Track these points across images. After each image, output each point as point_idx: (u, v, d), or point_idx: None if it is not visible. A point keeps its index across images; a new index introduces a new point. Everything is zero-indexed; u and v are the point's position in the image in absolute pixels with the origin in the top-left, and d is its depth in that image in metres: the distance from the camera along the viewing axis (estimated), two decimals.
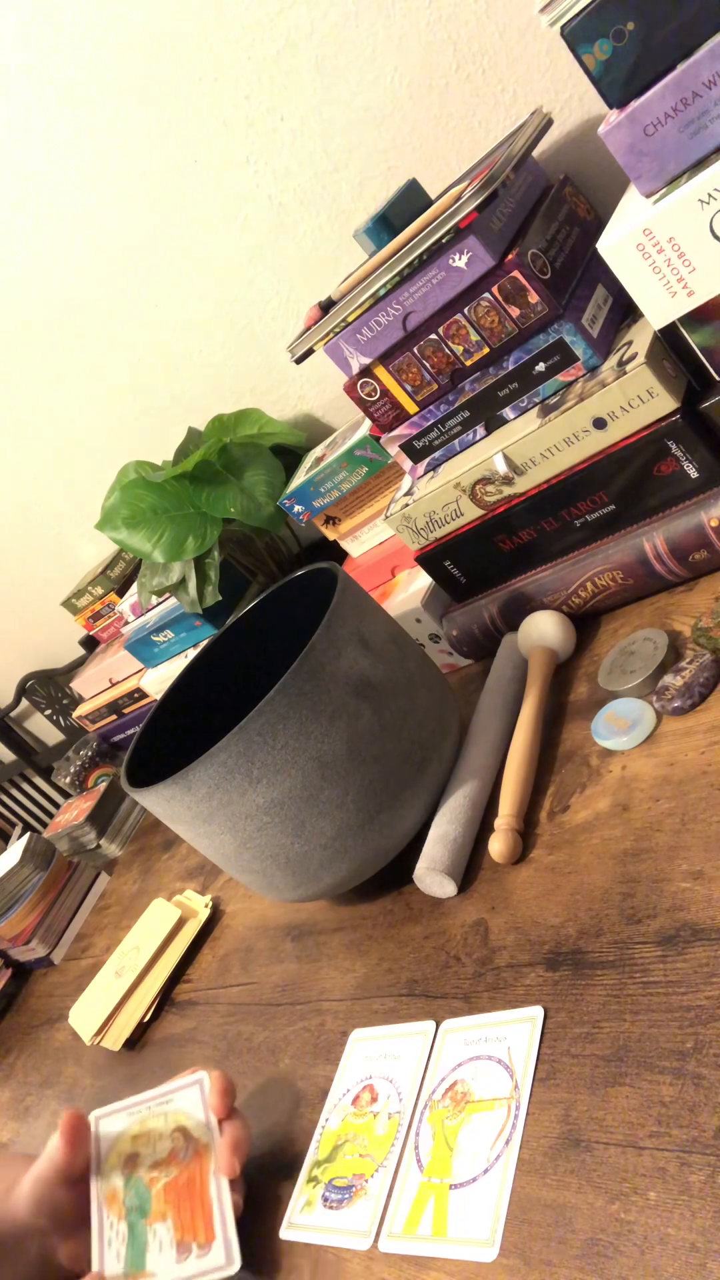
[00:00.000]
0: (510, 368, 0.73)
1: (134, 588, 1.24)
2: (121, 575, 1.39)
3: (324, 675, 0.65)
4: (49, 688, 1.80)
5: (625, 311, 0.75)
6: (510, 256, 0.68)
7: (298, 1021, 0.72)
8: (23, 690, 1.80)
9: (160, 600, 1.18)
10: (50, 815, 2.08)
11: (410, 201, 0.79)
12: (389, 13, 0.82)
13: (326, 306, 0.76)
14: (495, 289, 0.69)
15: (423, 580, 0.91)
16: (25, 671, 1.80)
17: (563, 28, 0.58)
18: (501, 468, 0.74)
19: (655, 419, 0.68)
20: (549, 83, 0.81)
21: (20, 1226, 0.61)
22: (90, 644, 1.59)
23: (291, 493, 1.00)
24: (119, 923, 1.15)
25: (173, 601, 1.16)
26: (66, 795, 1.92)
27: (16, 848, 1.30)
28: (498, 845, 0.65)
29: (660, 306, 0.64)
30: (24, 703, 1.86)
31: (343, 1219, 0.55)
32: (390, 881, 0.74)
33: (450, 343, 0.73)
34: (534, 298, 0.69)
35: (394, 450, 0.82)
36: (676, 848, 0.55)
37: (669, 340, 0.66)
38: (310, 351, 0.77)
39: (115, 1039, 0.89)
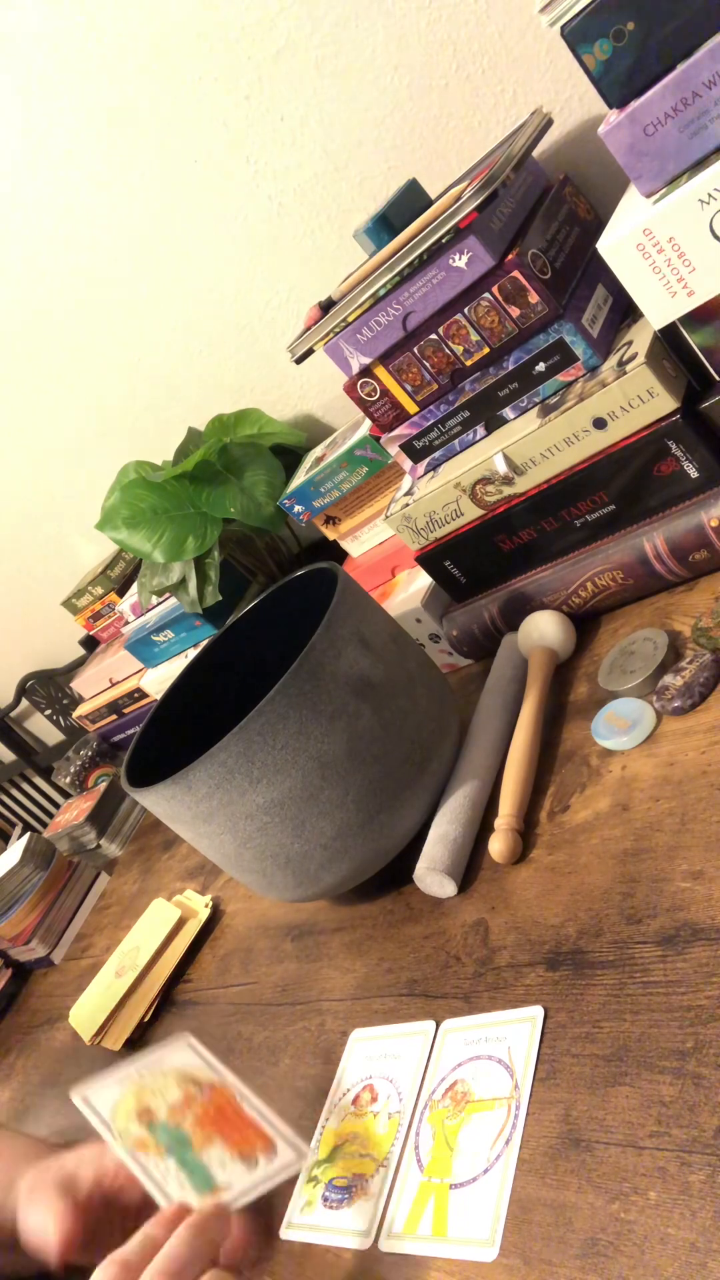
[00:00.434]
0: (510, 368, 0.73)
1: (134, 588, 1.24)
2: (121, 575, 1.39)
3: (324, 675, 0.65)
4: (49, 688, 1.80)
5: (625, 311, 0.75)
6: (510, 256, 0.68)
7: (298, 1021, 0.72)
8: (23, 690, 1.80)
9: (160, 600, 1.18)
10: (50, 815, 2.08)
11: (410, 201, 0.79)
12: (389, 13, 0.82)
13: (326, 306, 0.76)
14: (495, 289, 0.69)
15: (423, 580, 0.91)
16: (25, 671, 1.80)
17: (563, 28, 0.58)
18: (501, 468, 0.74)
19: (655, 419, 0.68)
20: (549, 83, 0.81)
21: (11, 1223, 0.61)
22: (90, 644, 1.59)
23: (291, 493, 1.00)
24: (119, 923, 1.15)
25: (173, 601, 1.16)
26: (66, 795, 1.92)
27: (16, 848, 1.30)
28: (498, 845, 0.65)
29: (660, 306, 0.64)
30: (24, 703, 1.86)
31: (343, 1219, 0.55)
32: (390, 881, 0.74)
33: (450, 343, 0.73)
34: (534, 298, 0.69)
35: (394, 450, 0.82)
36: (676, 848, 0.55)
37: (669, 340, 0.66)
38: (310, 351, 0.77)
39: (115, 1039, 0.89)
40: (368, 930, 0.73)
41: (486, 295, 0.70)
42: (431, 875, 0.68)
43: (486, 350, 0.73)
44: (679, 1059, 0.46)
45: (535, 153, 0.82)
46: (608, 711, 0.67)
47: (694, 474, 0.69)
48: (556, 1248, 0.44)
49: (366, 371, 0.77)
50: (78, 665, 1.68)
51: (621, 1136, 0.46)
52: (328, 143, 0.92)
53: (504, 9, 0.78)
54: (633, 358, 0.67)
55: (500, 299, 0.70)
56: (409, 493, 0.83)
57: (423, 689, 0.72)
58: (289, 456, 1.12)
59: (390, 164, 0.91)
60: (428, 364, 0.75)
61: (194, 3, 0.88)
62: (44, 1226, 0.58)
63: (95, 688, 1.43)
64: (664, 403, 0.67)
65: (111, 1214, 0.60)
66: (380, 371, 0.77)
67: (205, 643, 0.85)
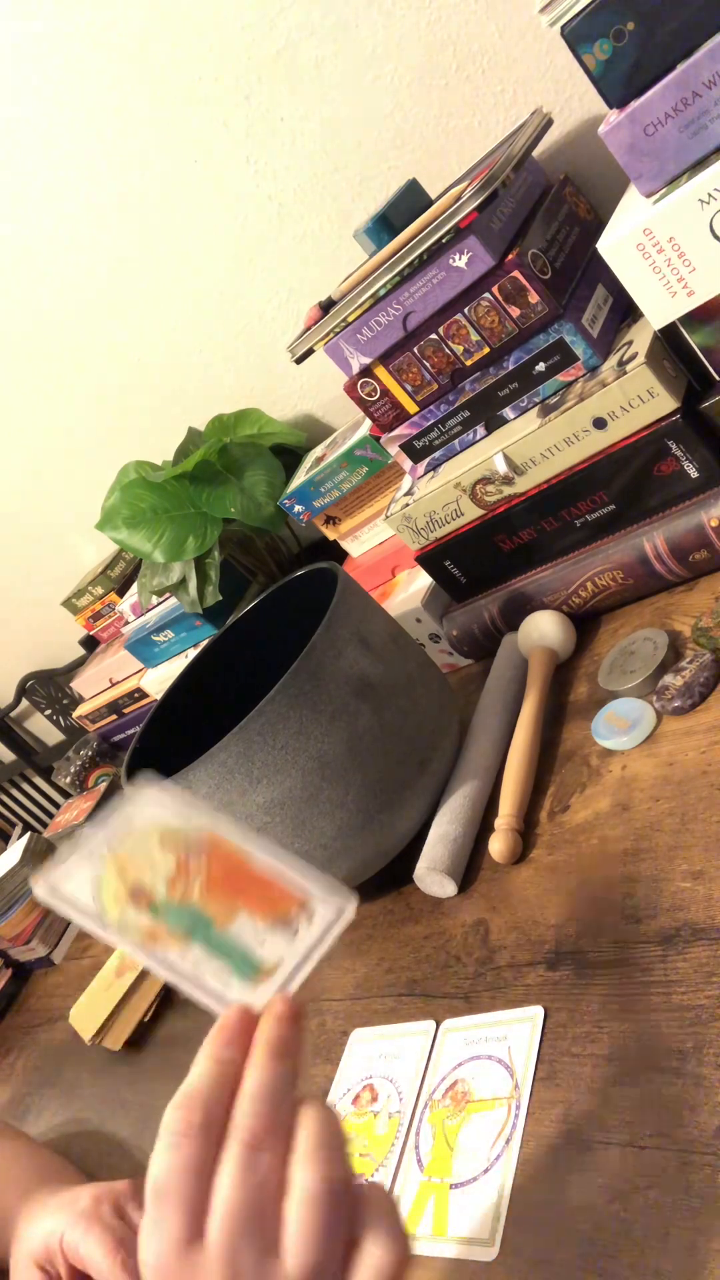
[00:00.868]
0: (510, 368, 0.73)
1: (134, 588, 1.24)
2: (121, 575, 1.39)
3: (324, 675, 0.65)
4: (49, 688, 1.79)
5: (625, 311, 0.75)
6: (510, 256, 0.68)
7: None
8: (23, 690, 1.80)
9: (160, 600, 1.18)
10: (50, 815, 2.07)
11: (410, 201, 0.79)
12: (389, 13, 0.82)
13: (326, 306, 0.76)
14: (495, 289, 0.69)
15: (423, 580, 0.91)
16: (25, 671, 1.80)
17: (563, 28, 0.58)
18: (501, 468, 0.74)
19: (655, 419, 0.68)
20: (549, 83, 0.81)
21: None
22: (90, 644, 1.59)
23: (291, 493, 1.00)
24: None
25: (173, 601, 1.16)
26: (66, 795, 1.92)
27: (16, 848, 1.30)
28: (498, 845, 0.65)
29: (660, 306, 0.64)
30: (24, 703, 1.86)
31: None
32: (390, 881, 0.74)
33: (450, 343, 0.73)
34: (534, 298, 0.69)
35: (394, 450, 0.82)
36: (676, 848, 0.55)
37: (669, 340, 0.66)
38: (310, 351, 0.77)
39: (116, 1039, 0.89)
40: (368, 930, 0.73)
41: (486, 295, 0.70)
42: (432, 875, 0.68)
43: (486, 350, 0.73)
44: (679, 1059, 0.46)
45: (535, 153, 0.82)
46: (608, 711, 0.67)
47: (694, 474, 0.69)
48: (556, 1248, 0.44)
49: (366, 371, 0.77)
50: (78, 665, 1.68)
51: (621, 1136, 0.46)
52: (328, 143, 0.92)
53: (504, 9, 0.78)
54: (633, 358, 0.67)
55: (500, 299, 0.70)
56: (409, 493, 0.83)
57: (423, 689, 0.72)
58: (289, 456, 1.12)
59: (390, 164, 0.91)
60: (428, 364, 0.75)
61: (194, 3, 0.88)
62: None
63: (95, 688, 1.43)
64: (664, 403, 0.67)
65: None
66: (380, 371, 0.77)
67: (205, 643, 0.85)
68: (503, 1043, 0.55)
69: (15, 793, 2.08)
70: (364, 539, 1.02)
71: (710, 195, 0.58)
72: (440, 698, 0.74)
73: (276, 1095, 0.36)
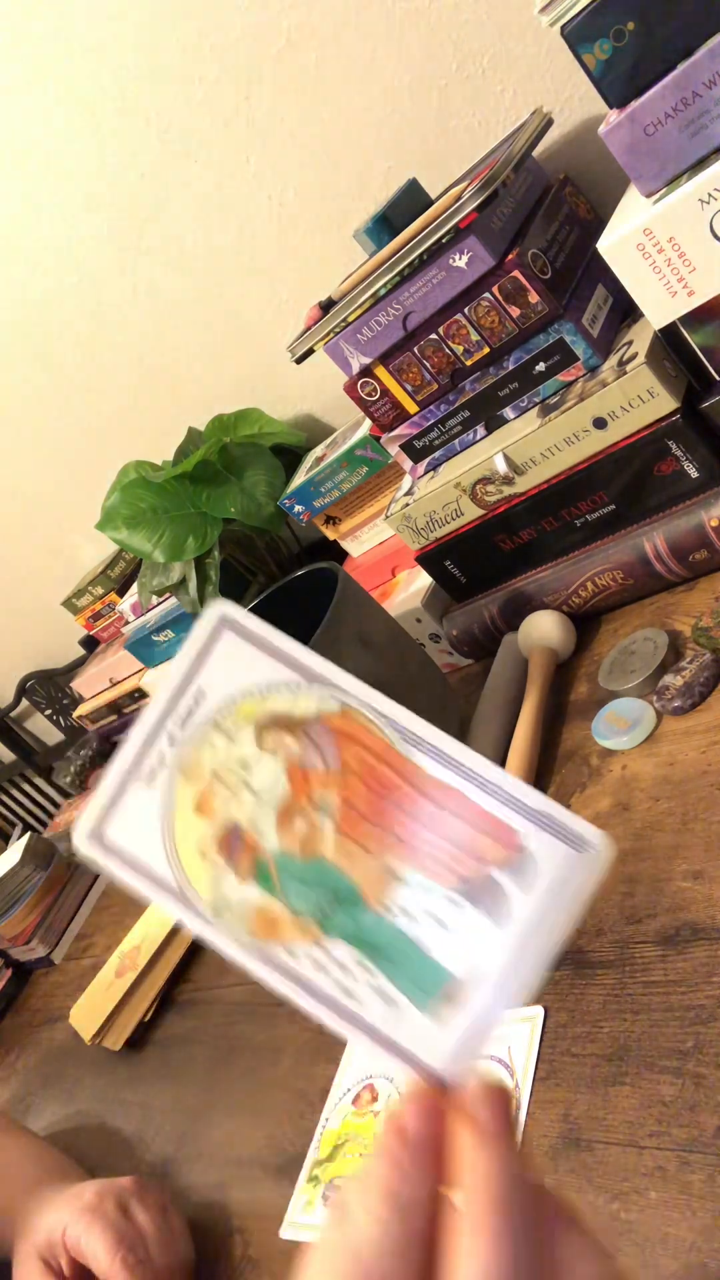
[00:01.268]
0: (510, 367, 0.73)
1: (134, 588, 1.24)
2: (121, 575, 1.39)
3: None
4: (49, 688, 1.79)
5: (625, 311, 0.75)
6: (510, 256, 0.68)
7: (298, 1021, 0.72)
8: (23, 690, 1.80)
9: (160, 600, 1.18)
10: (50, 815, 2.07)
11: (410, 201, 0.79)
12: (389, 13, 0.82)
13: (326, 306, 0.76)
14: (495, 289, 0.69)
15: (423, 580, 0.91)
16: (25, 671, 1.80)
17: (563, 28, 0.58)
18: (502, 467, 0.74)
19: (655, 419, 0.68)
20: (549, 83, 0.81)
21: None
22: (90, 644, 1.59)
23: (291, 493, 1.00)
24: (119, 922, 1.15)
25: (173, 601, 1.16)
26: (66, 795, 1.92)
27: (16, 848, 1.30)
28: None
29: (660, 306, 0.64)
30: (24, 703, 1.86)
31: None
32: None
33: (450, 343, 0.73)
34: (534, 297, 0.69)
35: (394, 450, 0.82)
36: (676, 847, 0.55)
37: (669, 340, 0.66)
38: (310, 351, 0.77)
39: (116, 1039, 0.89)
40: None
41: (487, 295, 0.70)
42: None
43: (486, 350, 0.73)
44: (679, 1059, 0.46)
45: (535, 153, 0.82)
46: (608, 711, 0.67)
47: (694, 474, 0.69)
48: None
49: (366, 371, 0.77)
50: (78, 665, 1.68)
51: (621, 1136, 0.46)
52: (328, 143, 0.92)
53: (504, 9, 0.78)
54: (633, 357, 0.67)
55: (500, 299, 0.70)
56: (409, 493, 0.83)
57: (423, 689, 0.72)
58: (289, 456, 1.12)
59: (390, 164, 0.91)
60: (428, 364, 0.75)
61: (195, 2, 0.88)
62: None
63: (95, 688, 1.43)
64: (664, 402, 0.67)
65: None
66: (380, 371, 0.77)
67: None
68: (502, 1043, 0.55)
69: (15, 793, 2.08)
70: (364, 539, 1.02)
71: (710, 195, 0.57)
72: (440, 698, 0.74)
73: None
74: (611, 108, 0.60)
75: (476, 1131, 0.23)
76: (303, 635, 0.83)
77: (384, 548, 1.00)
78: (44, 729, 1.96)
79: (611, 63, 0.58)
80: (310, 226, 0.98)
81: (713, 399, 0.66)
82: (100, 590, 1.38)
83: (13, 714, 1.92)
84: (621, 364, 0.68)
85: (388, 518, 0.83)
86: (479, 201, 0.66)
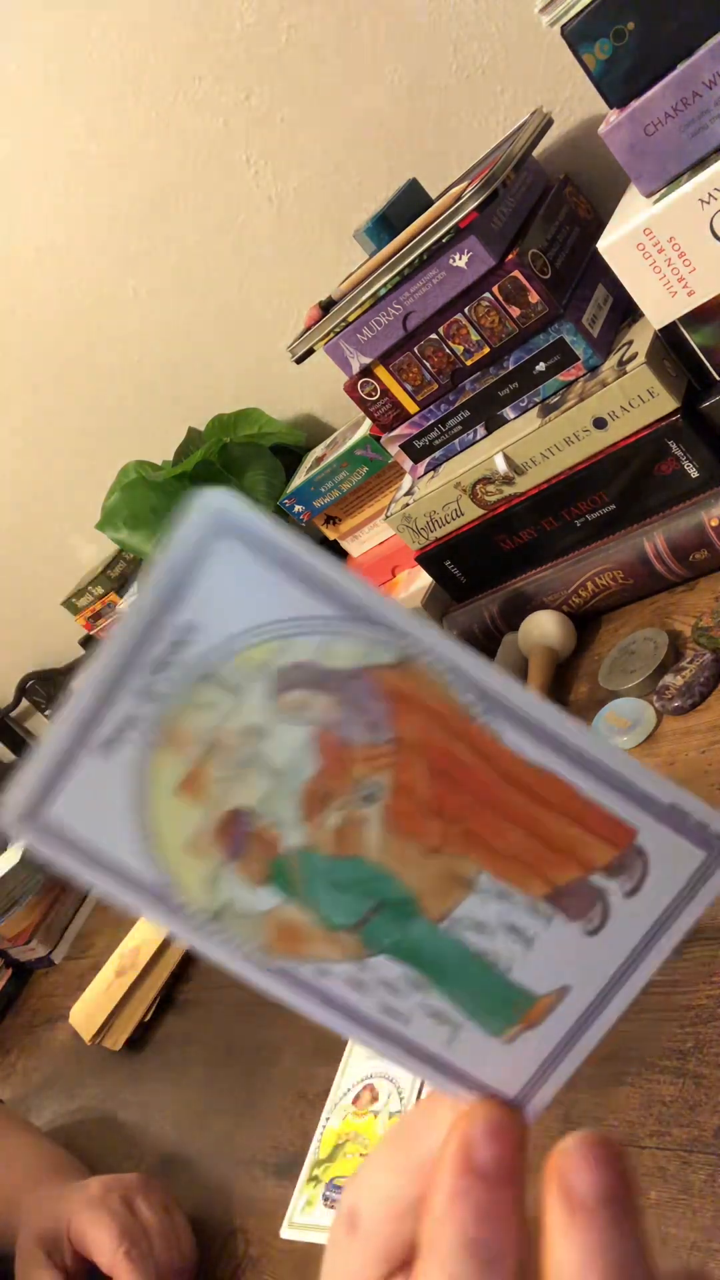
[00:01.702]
0: (510, 367, 0.73)
1: (134, 588, 1.24)
2: (121, 575, 1.39)
3: None
4: (49, 688, 1.79)
5: (625, 311, 0.75)
6: (510, 256, 0.68)
7: (298, 1021, 0.72)
8: (23, 690, 1.80)
9: None
10: None
11: (410, 201, 0.79)
12: (389, 12, 0.82)
13: (326, 306, 0.76)
14: (495, 289, 0.69)
15: (423, 580, 0.91)
16: (25, 671, 1.80)
17: (563, 28, 0.58)
18: (502, 467, 0.74)
19: (655, 419, 0.68)
20: (549, 83, 0.81)
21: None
22: (90, 644, 1.59)
23: (291, 493, 1.00)
24: (119, 922, 1.15)
25: None
26: None
27: (17, 848, 1.30)
28: None
29: (660, 306, 0.64)
30: (24, 703, 1.86)
31: None
32: None
33: (450, 342, 0.73)
34: (534, 297, 0.69)
35: (394, 450, 0.82)
36: None
37: (669, 340, 0.66)
38: (310, 351, 0.77)
39: (116, 1039, 0.89)
40: None
41: (487, 295, 0.70)
42: None
43: (487, 350, 0.73)
44: (679, 1059, 0.46)
45: (535, 153, 0.82)
46: (608, 711, 0.67)
47: (694, 474, 0.69)
48: None
49: (367, 371, 0.77)
50: (78, 665, 1.68)
51: (621, 1136, 0.46)
52: (328, 142, 0.92)
53: (504, 9, 0.78)
54: (633, 357, 0.67)
55: (500, 299, 0.70)
56: (409, 493, 0.83)
57: None
58: (289, 456, 1.12)
59: (390, 164, 0.91)
60: (428, 364, 0.75)
61: (195, 3, 0.88)
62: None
63: None
64: (664, 402, 0.67)
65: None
66: (380, 371, 0.77)
67: None
68: None
69: None
70: (364, 539, 1.02)
71: (710, 195, 0.58)
72: None
73: None
74: (611, 108, 0.60)
75: (568, 1203, 0.17)
76: None
77: (384, 548, 1.00)
78: (44, 729, 1.96)
79: (611, 63, 0.58)
80: (310, 226, 0.98)
81: (713, 399, 0.66)
82: (100, 590, 1.38)
83: (13, 714, 1.92)
84: (621, 364, 0.68)
85: (388, 518, 0.83)
86: (479, 201, 0.66)
